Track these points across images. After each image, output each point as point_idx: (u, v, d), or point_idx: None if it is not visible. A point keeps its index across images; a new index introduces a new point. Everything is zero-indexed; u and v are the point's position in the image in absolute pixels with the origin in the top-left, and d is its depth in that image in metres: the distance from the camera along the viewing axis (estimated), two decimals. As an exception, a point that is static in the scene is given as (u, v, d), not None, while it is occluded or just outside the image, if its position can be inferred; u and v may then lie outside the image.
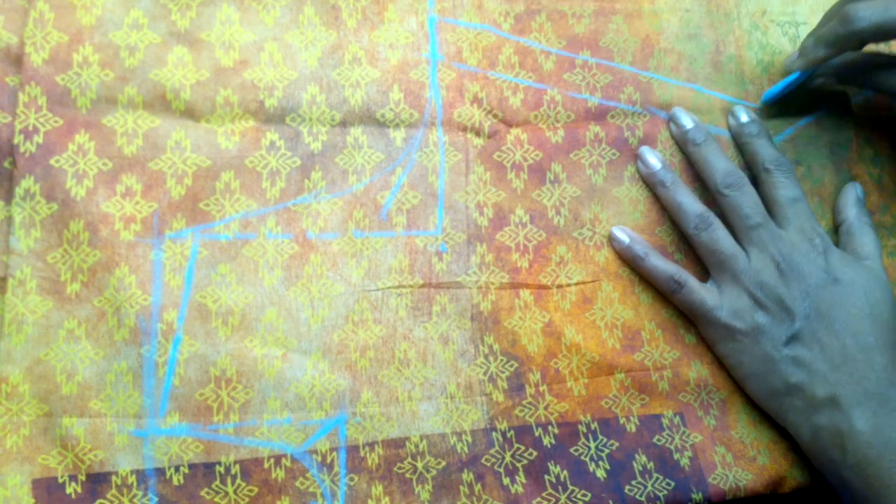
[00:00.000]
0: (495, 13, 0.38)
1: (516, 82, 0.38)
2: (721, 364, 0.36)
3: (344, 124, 0.36)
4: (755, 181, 0.36)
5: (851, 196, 0.37)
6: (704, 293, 0.34)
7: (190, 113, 0.35)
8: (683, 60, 0.39)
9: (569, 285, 0.36)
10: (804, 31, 0.41)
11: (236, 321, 0.33)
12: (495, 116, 0.37)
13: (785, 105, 0.40)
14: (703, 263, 0.37)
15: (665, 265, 0.35)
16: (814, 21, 0.42)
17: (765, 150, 0.36)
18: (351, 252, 0.35)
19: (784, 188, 0.35)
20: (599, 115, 0.38)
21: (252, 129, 0.35)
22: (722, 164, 0.35)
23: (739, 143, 0.37)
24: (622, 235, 0.36)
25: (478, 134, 0.37)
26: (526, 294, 0.35)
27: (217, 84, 0.35)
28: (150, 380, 0.32)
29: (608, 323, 0.36)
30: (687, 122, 0.37)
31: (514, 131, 0.37)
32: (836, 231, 0.38)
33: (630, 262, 0.36)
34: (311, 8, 0.37)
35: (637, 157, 0.37)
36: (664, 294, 0.36)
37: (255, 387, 0.33)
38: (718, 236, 0.34)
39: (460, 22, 0.38)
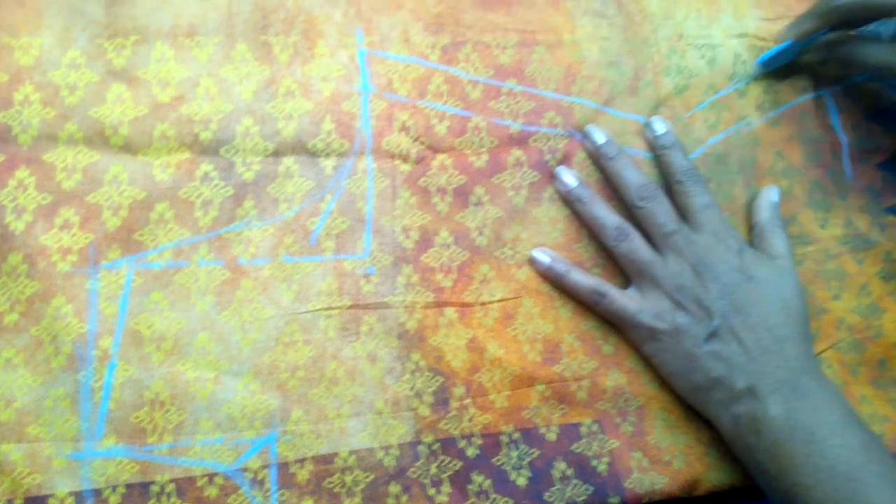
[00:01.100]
0: (422, 45, 0.41)
1: (443, 110, 0.40)
2: (638, 372, 0.38)
3: (277, 154, 0.38)
4: (670, 191, 0.38)
5: (766, 199, 0.39)
6: (626, 300, 0.36)
7: (128, 147, 0.37)
8: (605, 85, 0.42)
9: (491, 302, 0.38)
10: (721, 53, 0.44)
11: (169, 346, 0.35)
12: (422, 143, 0.39)
13: (709, 115, 0.43)
14: (622, 275, 0.39)
15: (586, 279, 0.37)
16: (728, 44, 0.44)
17: (678, 162, 0.38)
18: (281, 276, 0.36)
19: (696, 196, 0.37)
20: (521, 139, 0.40)
21: (187, 161, 0.37)
22: (635, 178, 0.37)
23: (655, 155, 0.39)
24: (543, 256, 0.38)
25: (405, 160, 0.39)
26: (450, 312, 0.37)
27: (154, 119, 0.37)
28: (86, 404, 0.33)
29: (529, 337, 0.38)
30: (599, 137, 0.39)
31: (440, 157, 0.39)
32: (751, 232, 0.40)
33: (553, 280, 0.37)
34: (244, 45, 0.39)
35: (554, 177, 0.39)
36: (588, 306, 0.38)
37: (188, 408, 0.34)
38: (636, 245, 0.36)
39: (389, 55, 0.40)
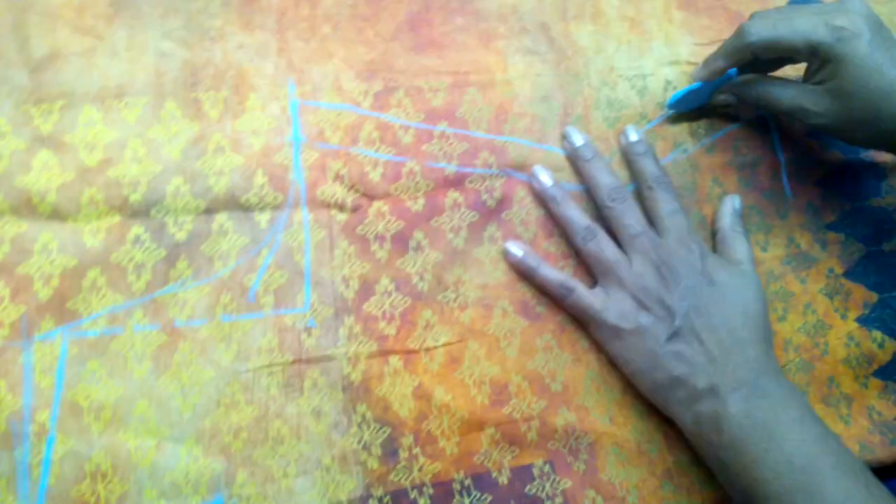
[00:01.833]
0: (355, 92, 0.41)
1: (377, 157, 0.40)
2: (588, 408, 0.38)
3: (209, 212, 0.37)
4: (640, 196, 0.39)
5: (728, 207, 0.41)
6: (592, 298, 0.37)
7: (56, 214, 0.36)
8: (536, 122, 0.42)
9: (436, 347, 0.38)
10: (651, 83, 0.44)
11: (108, 415, 0.34)
12: (357, 191, 0.39)
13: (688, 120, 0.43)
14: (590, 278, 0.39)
15: (555, 274, 0.38)
16: (660, 73, 0.45)
17: (649, 168, 0.39)
18: (220, 336, 0.36)
19: (664, 202, 0.38)
20: (457, 181, 0.40)
21: (117, 225, 0.36)
22: (608, 180, 0.38)
23: (627, 161, 0.41)
24: (516, 249, 0.39)
25: (341, 210, 0.39)
26: (395, 360, 0.37)
27: (82, 184, 0.37)
28: (24, 482, 0.33)
29: (476, 380, 0.37)
30: (578, 139, 0.40)
31: (377, 204, 0.39)
32: (713, 239, 0.41)
33: (523, 273, 0.39)
34: (173, 103, 0.39)
35: (531, 176, 0.40)
36: (556, 300, 0.38)
37: (130, 478, 0.33)
38: (603, 245, 0.37)
39: (322, 104, 0.40)
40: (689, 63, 0.45)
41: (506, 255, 0.39)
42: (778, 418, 0.32)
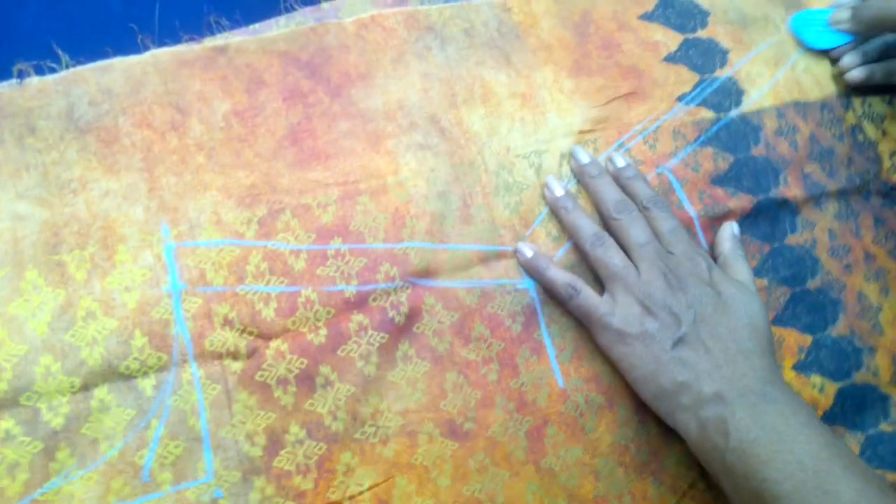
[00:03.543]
0: (236, 223, 0.38)
1: (268, 291, 0.37)
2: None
3: (86, 388, 0.34)
4: None
5: (727, 232, 0.41)
6: (599, 300, 0.37)
7: (-89, 421, 0.32)
8: (435, 222, 0.39)
9: (361, 493, 0.34)
10: (546, 159, 0.42)
11: None
12: (250, 334, 0.36)
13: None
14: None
15: (564, 275, 0.38)
16: (554, 147, 0.43)
17: (643, 190, 0.40)
18: (114, 530, 0.32)
19: (663, 221, 0.39)
20: (360, 302, 0.37)
21: (-17, 423, 0.32)
22: (613, 194, 0.40)
23: (619, 185, 0.41)
24: (526, 250, 0.39)
25: (235, 358, 0.35)
26: (317, 518, 0.33)
27: (-62, 381, 0.33)
28: None
29: (409, 522, 0.34)
30: (584, 157, 0.41)
31: (274, 344, 0.36)
32: (715, 263, 0.40)
33: (532, 273, 0.39)
34: (34, 270, 0.35)
35: (544, 186, 0.41)
36: (563, 301, 0.38)
37: None
38: (611, 252, 0.38)
39: (200, 242, 0.37)
40: (583, 132, 0.43)
41: (516, 252, 0.39)
42: (787, 422, 0.32)
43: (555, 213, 0.41)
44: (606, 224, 0.40)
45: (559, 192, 0.40)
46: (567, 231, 0.40)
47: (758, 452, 0.32)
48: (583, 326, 0.39)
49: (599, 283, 0.40)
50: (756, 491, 0.31)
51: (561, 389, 0.39)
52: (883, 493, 0.30)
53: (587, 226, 0.39)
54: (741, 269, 0.39)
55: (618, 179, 0.41)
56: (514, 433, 0.37)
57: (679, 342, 0.35)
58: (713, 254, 0.41)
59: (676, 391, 0.35)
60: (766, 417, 0.32)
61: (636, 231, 0.38)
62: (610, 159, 0.42)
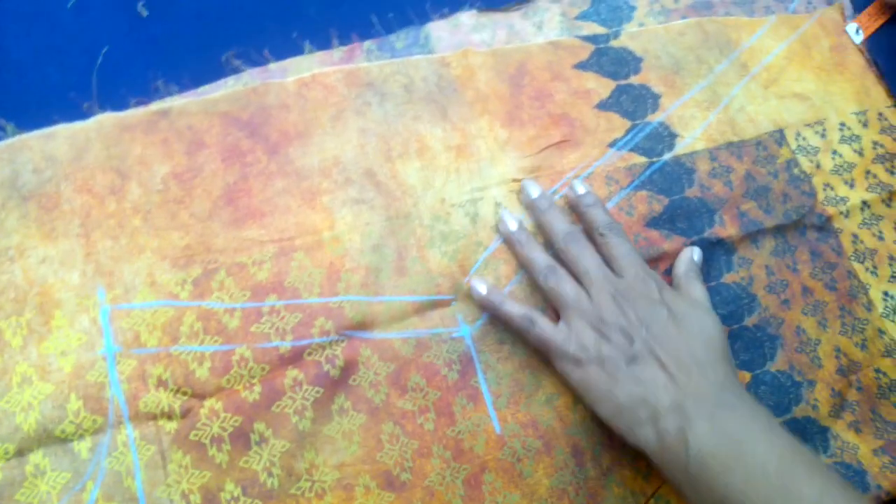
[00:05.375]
0: (171, 284, 0.38)
1: (202, 350, 0.37)
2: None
3: (21, 454, 0.34)
4: (593, 243, 0.41)
5: (686, 256, 0.43)
6: (554, 330, 0.38)
7: None
8: (370, 274, 0.40)
9: (295, 550, 0.34)
10: (482, 205, 0.43)
11: None
12: (185, 394, 0.36)
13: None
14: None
15: (519, 308, 0.39)
16: (489, 195, 0.44)
17: (599, 217, 0.41)
18: None
19: (617, 246, 0.40)
20: (295, 357, 0.38)
21: (-85, 494, 0.33)
22: (563, 226, 0.41)
23: (578, 212, 0.42)
24: (480, 286, 0.40)
25: (169, 418, 0.36)
26: (250, 577, 0.34)
27: None
28: None
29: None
30: (534, 191, 0.42)
31: (208, 403, 0.36)
32: (671, 285, 0.41)
33: (488, 308, 0.40)
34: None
35: (499, 220, 0.42)
36: (520, 333, 0.39)
37: None
38: (563, 281, 0.39)
39: (135, 305, 0.38)
40: (516, 180, 0.44)
41: (470, 291, 0.40)
42: (747, 427, 0.33)
43: (509, 246, 0.42)
44: (557, 255, 0.41)
45: (513, 225, 0.41)
46: (521, 263, 0.41)
47: (719, 461, 0.32)
48: (519, 372, 0.40)
49: (554, 311, 0.41)
50: (720, 498, 0.31)
51: (498, 435, 0.39)
52: (845, 491, 0.31)
53: (540, 259, 0.40)
54: (694, 289, 0.41)
55: (577, 207, 0.42)
56: (452, 481, 0.38)
57: (633, 359, 0.36)
58: (672, 277, 0.42)
59: (634, 407, 0.35)
60: (726, 424, 0.33)
61: (585, 259, 0.39)
62: (570, 186, 0.43)
